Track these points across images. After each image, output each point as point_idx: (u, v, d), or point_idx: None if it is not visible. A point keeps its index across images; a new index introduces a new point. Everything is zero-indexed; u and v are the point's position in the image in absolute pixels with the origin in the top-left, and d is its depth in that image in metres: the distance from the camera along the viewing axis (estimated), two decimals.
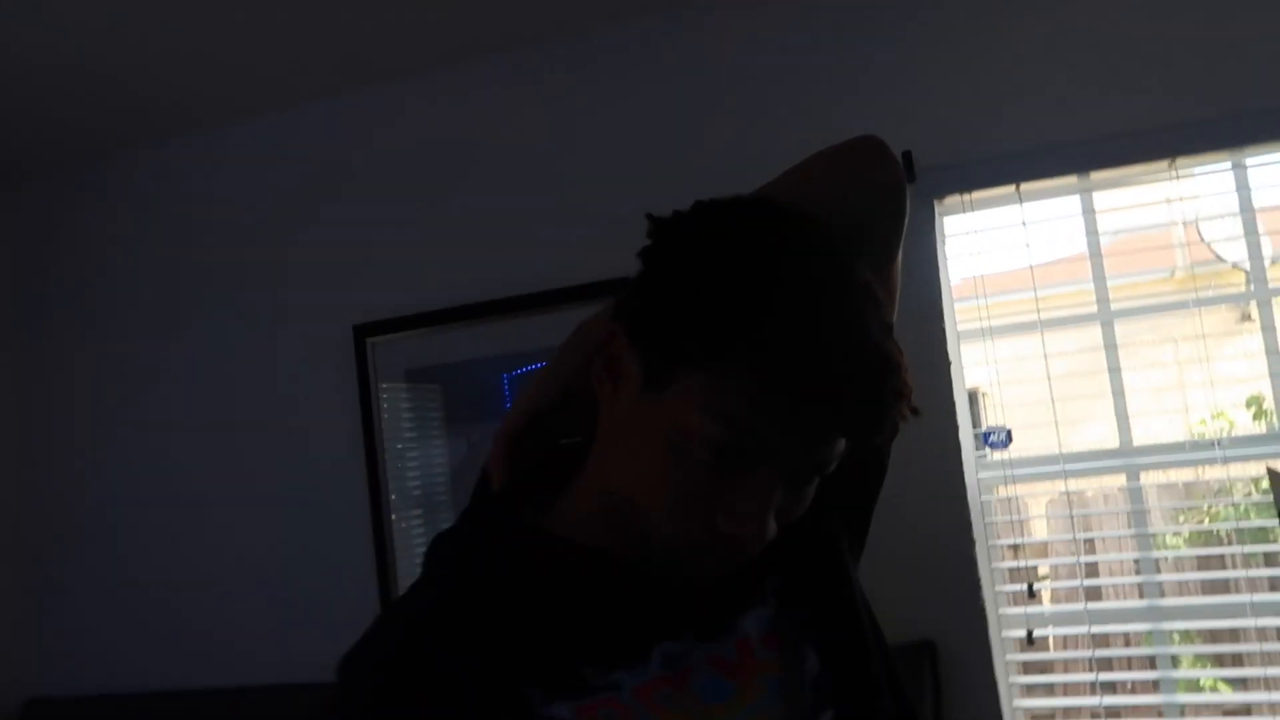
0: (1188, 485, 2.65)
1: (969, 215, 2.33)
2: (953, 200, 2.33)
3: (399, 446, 2.68)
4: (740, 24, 2.47)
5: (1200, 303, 2.22)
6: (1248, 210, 2.21)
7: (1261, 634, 2.11)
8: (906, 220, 0.86)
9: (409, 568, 2.64)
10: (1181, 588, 2.37)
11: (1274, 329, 2.15)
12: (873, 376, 0.64)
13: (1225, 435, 2.70)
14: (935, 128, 2.29)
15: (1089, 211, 2.32)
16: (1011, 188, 2.29)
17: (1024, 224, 2.30)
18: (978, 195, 2.32)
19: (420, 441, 2.69)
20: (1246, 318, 4.41)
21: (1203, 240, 2.95)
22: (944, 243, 2.36)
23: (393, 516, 2.65)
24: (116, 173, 3.06)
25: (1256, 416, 2.94)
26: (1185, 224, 2.55)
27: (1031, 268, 2.31)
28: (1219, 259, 2.98)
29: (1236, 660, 2.63)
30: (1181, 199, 2.25)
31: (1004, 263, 2.41)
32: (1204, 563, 2.86)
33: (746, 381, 0.64)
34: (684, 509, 0.69)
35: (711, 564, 0.71)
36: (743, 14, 2.47)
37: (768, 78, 2.45)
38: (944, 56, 2.33)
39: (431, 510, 2.67)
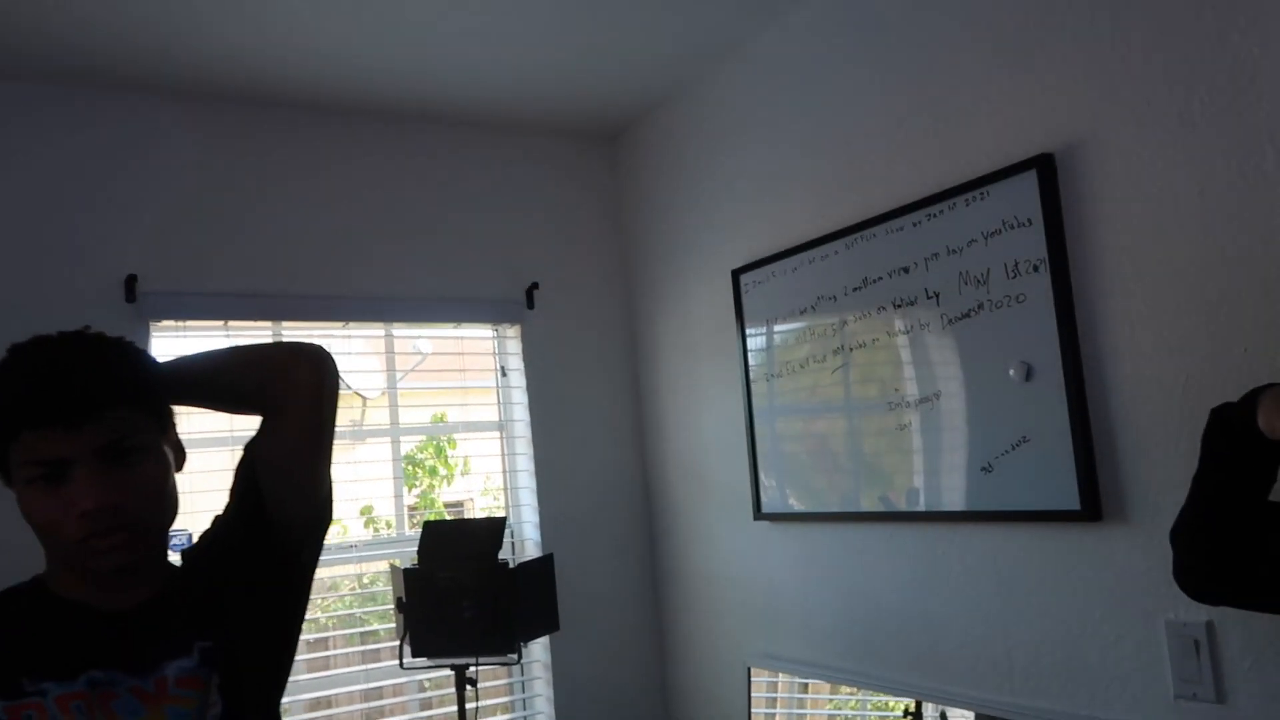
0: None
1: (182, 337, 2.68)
2: (168, 324, 2.64)
3: None
4: None
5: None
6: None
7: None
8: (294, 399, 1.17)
9: None
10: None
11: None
12: (45, 385, 1.00)
13: (341, 540, 3.37)
14: (161, 264, 2.60)
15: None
16: (221, 322, 2.72)
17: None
18: (190, 323, 2.69)
19: None
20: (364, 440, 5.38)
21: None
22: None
23: None
24: None
25: (368, 524, 3.75)
26: None
27: None
28: (346, 386, 3.79)
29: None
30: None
31: None
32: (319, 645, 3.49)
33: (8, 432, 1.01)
34: (57, 526, 1.01)
35: (104, 552, 1.02)
36: None
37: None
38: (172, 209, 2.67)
39: None
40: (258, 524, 1.16)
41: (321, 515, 1.22)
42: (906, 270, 2.26)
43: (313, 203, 2.85)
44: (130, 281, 2.54)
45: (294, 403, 1.16)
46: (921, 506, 2.24)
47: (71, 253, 2.52)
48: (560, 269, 3.19)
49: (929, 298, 2.20)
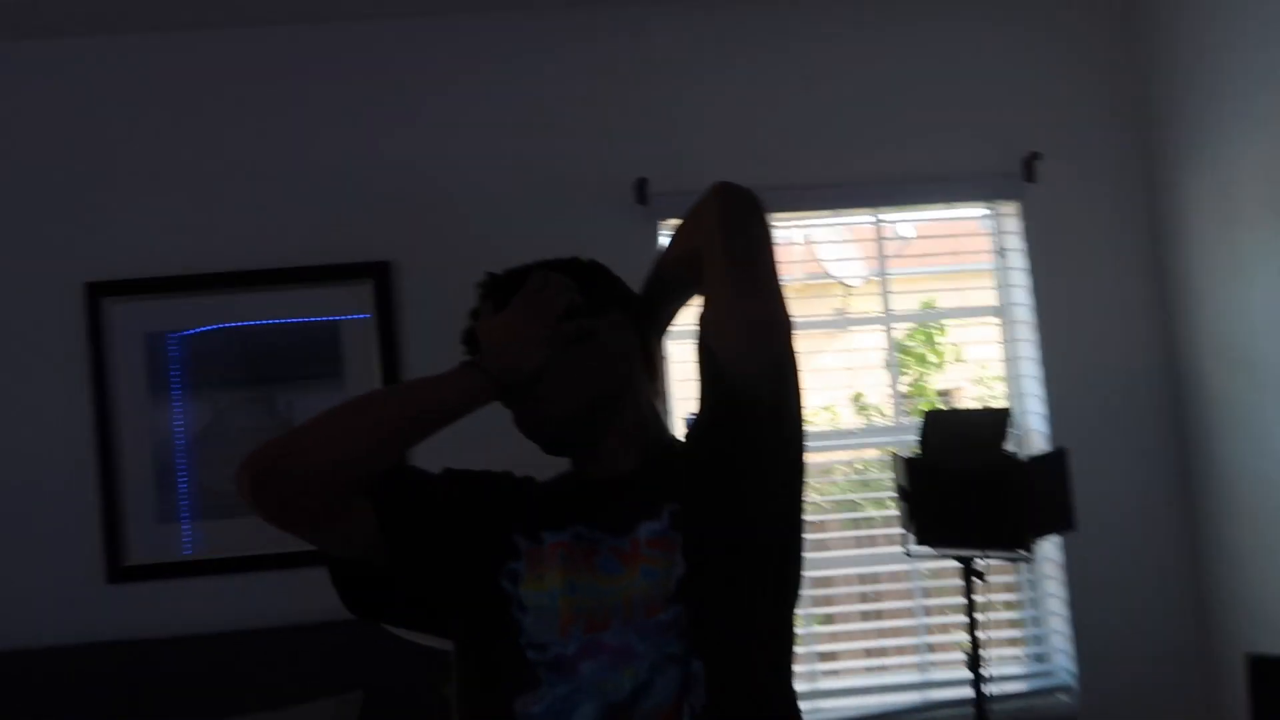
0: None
1: None
2: (675, 222, 2.84)
3: (133, 410, 2.65)
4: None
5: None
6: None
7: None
8: (725, 237, 1.20)
9: (142, 532, 2.63)
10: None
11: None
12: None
13: (832, 427, 3.46)
14: (668, 166, 2.79)
15: None
16: None
17: None
18: None
19: (157, 406, 2.67)
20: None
21: (817, 259, 3.76)
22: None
23: (124, 479, 2.62)
24: None
25: (860, 412, 3.79)
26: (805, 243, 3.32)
27: None
28: (828, 275, 3.79)
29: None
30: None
31: None
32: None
33: None
34: None
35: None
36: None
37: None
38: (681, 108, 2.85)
39: (164, 474, 2.65)
40: (721, 387, 1.15)
41: (772, 362, 1.16)
42: None
43: (792, 91, 2.85)
44: (641, 184, 2.76)
45: (707, 247, 1.20)
46: None
47: (588, 160, 2.81)
48: (1063, 136, 2.85)
49: None
